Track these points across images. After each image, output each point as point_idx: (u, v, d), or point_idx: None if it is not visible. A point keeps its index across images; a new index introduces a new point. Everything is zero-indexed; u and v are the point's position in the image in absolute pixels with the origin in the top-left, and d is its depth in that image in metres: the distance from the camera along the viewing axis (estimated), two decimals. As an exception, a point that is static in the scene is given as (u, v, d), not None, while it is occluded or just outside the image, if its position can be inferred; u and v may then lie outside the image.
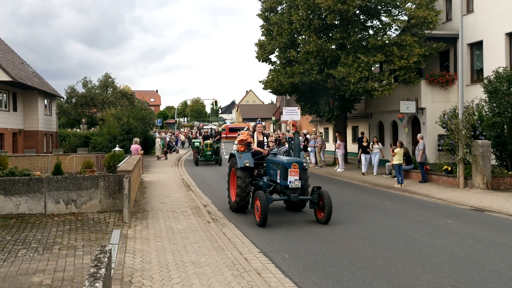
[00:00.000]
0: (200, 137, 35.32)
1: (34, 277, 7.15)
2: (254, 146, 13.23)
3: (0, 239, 9.58)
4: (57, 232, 10.24)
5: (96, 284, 3.66)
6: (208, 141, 30.02)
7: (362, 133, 26.51)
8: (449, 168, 18.87)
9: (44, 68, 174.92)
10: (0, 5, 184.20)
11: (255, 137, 13.48)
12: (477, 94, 19.45)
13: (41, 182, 12.22)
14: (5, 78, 27.52)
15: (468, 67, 22.46)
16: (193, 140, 35.39)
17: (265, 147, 13.30)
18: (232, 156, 13.27)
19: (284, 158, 11.72)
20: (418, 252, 8.22)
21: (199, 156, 30.15)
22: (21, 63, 35.75)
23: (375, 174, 22.66)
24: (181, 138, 56.64)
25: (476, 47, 22.54)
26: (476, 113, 18.26)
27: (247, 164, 12.28)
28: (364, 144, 23.86)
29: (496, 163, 18.58)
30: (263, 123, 14.17)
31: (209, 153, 29.78)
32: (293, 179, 11.19)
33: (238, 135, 15.10)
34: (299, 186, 11.39)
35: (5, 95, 29.86)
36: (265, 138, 13.60)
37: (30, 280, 7.01)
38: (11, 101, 30.76)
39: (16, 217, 11.65)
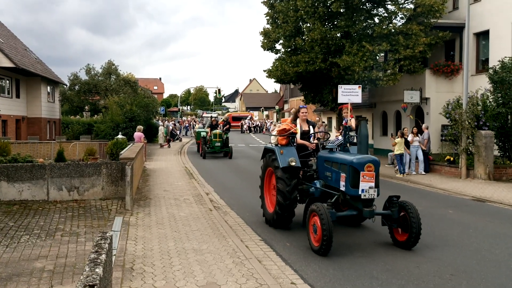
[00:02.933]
0: (198, 125, 33.97)
1: (36, 263, 7.21)
2: (298, 138, 10.07)
3: (3, 225, 9.65)
4: (60, 218, 10.30)
5: (97, 270, 3.68)
6: (217, 131, 26.81)
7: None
8: (452, 159, 18.85)
9: (48, 54, 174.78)
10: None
11: (298, 126, 10.22)
12: (482, 84, 19.33)
13: (44, 169, 12.27)
14: (8, 64, 27.63)
15: (473, 56, 22.29)
16: (198, 130, 32.61)
17: (311, 139, 10.15)
18: (268, 151, 10.34)
19: (350, 156, 8.48)
20: (419, 241, 8.24)
21: (206, 148, 26.79)
22: (24, 50, 35.73)
23: (422, 173, 19.47)
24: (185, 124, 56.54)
25: (482, 36, 22.33)
26: (480, 104, 18.15)
27: (293, 164, 9.24)
28: (407, 136, 19.72)
29: (499, 153, 18.53)
30: (306, 106, 11.59)
31: (218, 144, 26.50)
32: (366, 186, 7.95)
33: (278, 123, 11.11)
34: (375, 197, 8.10)
35: (8, 81, 29.90)
36: (311, 127, 10.32)
37: (33, 266, 7.06)
38: (14, 87, 30.81)
39: (19, 204, 11.72)
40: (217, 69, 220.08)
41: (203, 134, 28.24)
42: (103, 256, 4.08)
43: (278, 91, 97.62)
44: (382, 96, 27.52)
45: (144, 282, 6.42)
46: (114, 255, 7.25)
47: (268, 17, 27.53)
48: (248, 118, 65.08)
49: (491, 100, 18.31)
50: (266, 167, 10.47)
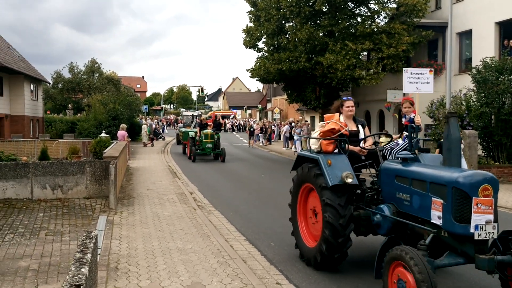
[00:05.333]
0: (179, 124, 32.38)
1: (21, 262, 7.21)
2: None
3: (-14, 224, 9.62)
4: (44, 217, 10.27)
5: (82, 269, 3.71)
6: (208, 131, 24.27)
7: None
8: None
9: (31, 52, 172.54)
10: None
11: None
12: (465, 84, 19.57)
13: (28, 167, 12.22)
14: None
15: (456, 56, 22.56)
16: (185, 130, 29.89)
17: (361, 144, 7.33)
18: (303, 160, 7.56)
19: (446, 171, 5.66)
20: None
21: (195, 150, 24.22)
22: (7, 47, 35.45)
23: None
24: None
25: (465, 36, 22.64)
26: (464, 103, 18.29)
27: (350, 181, 6.58)
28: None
29: (483, 153, 18.78)
30: (352, 99, 7.95)
31: (210, 146, 24.05)
32: (482, 220, 5.22)
33: (320, 123, 7.65)
34: (495, 236, 5.36)
35: None
36: (360, 127, 7.62)
37: (17, 265, 7.07)
38: None
39: (3, 202, 11.64)
40: (200, 67, 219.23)
41: (191, 134, 25.72)
42: (89, 255, 4.13)
43: (261, 90, 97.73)
44: (365, 95, 27.84)
45: (129, 281, 6.46)
46: (99, 254, 7.30)
47: (251, 15, 27.65)
48: (231, 117, 65.14)
49: (474, 100, 18.38)
50: (302, 183, 7.61)
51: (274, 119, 49.42)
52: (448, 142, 5.94)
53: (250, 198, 13.71)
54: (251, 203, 12.93)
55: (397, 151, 7.05)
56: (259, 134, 38.39)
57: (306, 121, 33.66)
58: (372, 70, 23.83)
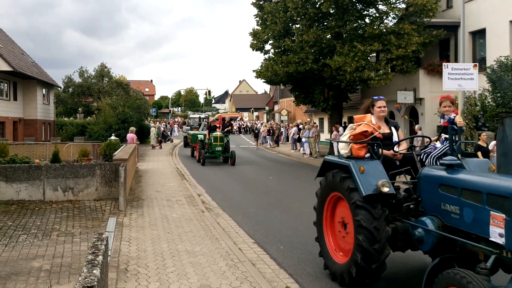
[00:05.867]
0: (185, 126, 32.07)
1: (34, 262, 7.34)
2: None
3: (2, 224, 9.80)
4: (55, 218, 10.42)
5: (94, 271, 3.78)
6: (217, 133, 23.82)
7: None
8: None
9: (43, 57, 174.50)
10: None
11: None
12: (480, 84, 19.35)
13: (40, 169, 12.44)
14: (6, 68, 28.49)
15: (469, 56, 22.07)
16: (193, 132, 29.26)
17: (395, 148, 6.71)
18: (330, 166, 6.87)
19: (502, 179, 4.99)
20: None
21: (205, 153, 23.63)
22: (21, 54, 36.40)
23: None
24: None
25: (479, 35, 22.18)
26: (478, 104, 17.88)
27: (386, 190, 5.85)
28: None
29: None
30: (383, 98, 7.04)
31: (219, 148, 23.56)
32: None
33: (347, 125, 6.54)
34: None
35: (6, 84, 30.58)
36: (393, 129, 6.92)
37: (30, 265, 7.20)
38: (11, 90, 31.53)
39: (17, 203, 11.88)
40: (207, 70, 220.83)
41: (200, 137, 25.26)
42: (100, 257, 4.21)
43: (268, 92, 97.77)
44: (374, 96, 27.69)
45: (138, 283, 6.52)
46: (109, 256, 7.43)
47: (257, 18, 27.75)
48: (238, 119, 65.20)
49: (490, 100, 17.85)
50: (329, 191, 6.79)
51: (282, 121, 49.41)
52: (504, 146, 5.13)
53: (258, 201, 13.73)
54: (260, 205, 12.96)
55: (435, 155, 6.44)
56: (267, 136, 38.44)
57: (315, 123, 33.63)
58: (381, 71, 23.65)
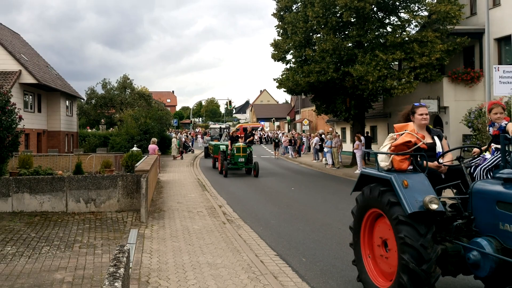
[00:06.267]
0: (206, 137, 32.22)
1: (56, 274, 7.34)
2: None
3: (25, 235, 9.90)
4: (78, 230, 10.47)
5: (116, 284, 3.73)
6: (240, 144, 23.27)
7: None
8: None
9: (67, 69, 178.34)
10: (29, 9, 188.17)
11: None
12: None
13: (63, 181, 12.56)
14: (31, 80, 29.18)
15: (495, 63, 21.47)
16: (215, 143, 29.08)
17: (439, 160, 6.07)
18: (368, 180, 6.20)
19: None
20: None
21: (227, 164, 23.13)
22: (45, 66, 37.18)
23: None
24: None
25: (504, 41, 21.74)
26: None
27: (435, 207, 5.20)
28: None
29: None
30: (425, 105, 6.46)
31: (242, 159, 23.05)
32: None
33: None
34: None
35: (31, 97, 31.24)
36: (436, 139, 6.35)
37: (53, 277, 7.20)
38: (36, 102, 32.16)
39: (40, 215, 12.01)
40: (228, 80, 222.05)
41: (222, 148, 24.79)
42: (122, 270, 4.18)
43: (289, 102, 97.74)
44: (397, 105, 27.33)
45: (159, 296, 6.45)
46: (130, 267, 7.40)
47: (278, 29, 27.84)
48: (259, 129, 65.19)
49: None
50: (367, 207, 6.13)
51: (303, 131, 49.22)
52: None
53: (280, 212, 13.56)
54: (281, 217, 12.79)
55: (485, 168, 5.82)
56: (288, 146, 38.28)
57: (337, 132, 33.40)
58: (404, 80, 23.38)
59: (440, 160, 6.04)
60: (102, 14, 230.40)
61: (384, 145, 6.14)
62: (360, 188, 6.37)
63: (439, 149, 6.24)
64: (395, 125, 6.18)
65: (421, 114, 6.21)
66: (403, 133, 5.84)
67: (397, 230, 5.33)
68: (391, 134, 6.16)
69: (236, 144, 23.35)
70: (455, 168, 5.96)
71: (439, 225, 5.52)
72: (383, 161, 5.94)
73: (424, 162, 5.69)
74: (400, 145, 5.72)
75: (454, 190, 6.02)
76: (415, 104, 6.47)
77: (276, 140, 40.52)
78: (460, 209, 5.58)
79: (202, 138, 58.37)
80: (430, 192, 5.34)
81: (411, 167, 5.78)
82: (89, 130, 47.08)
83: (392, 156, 5.76)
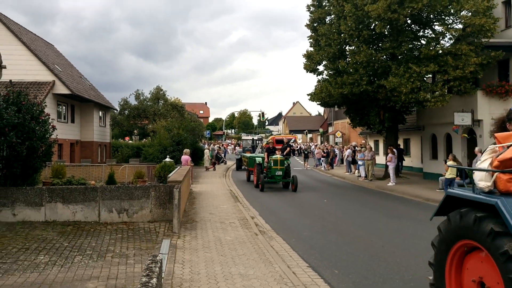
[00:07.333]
0: (238, 148, 31.49)
1: (88, 283, 7.38)
2: None
3: (58, 245, 10.01)
4: (110, 240, 10.55)
5: None
6: (278, 156, 21.87)
7: None
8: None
9: (100, 80, 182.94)
10: (63, 20, 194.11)
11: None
12: None
13: (96, 191, 12.67)
14: (65, 91, 29.75)
15: None
16: (250, 155, 27.71)
17: None
18: (457, 203, 5.07)
19: None
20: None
21: (264, 178, 21.83)
22: (79, 77, 37.79)
23: None
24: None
25: None
26: None
27: None
28: None
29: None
30: None
31: (280, 173, 21.74)
32: None
33: (490, 146, 4.93)
34: None
35: (64, 107, 31.78)
36: None
37: (85, 286, 7.24)
38: (69, 113, 32.70)
39: (73, 224, 12.14)
40: (261, 92, 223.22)
41: (258, 160, 23.52)
42: (154, 280, 4.14)
43: (322, 114, 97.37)
44: (430, 118, 26.90)
45: (191, 306, 6.44)
46: (163, 278, 7.34)
47: (311, 40, 27.81)
48: (292, 141, 65.04)
49: None
50: (457, 238, 4.95)
51: (336, 143, 48.83)
52: None
53: (312, 224, 13.43)
54: (314, 229, 12.66)
55: None
56: (321, 159, 37.98)
57: (369, 145, 33.03)
58: (437, 92, 23.04)
59: None
60: (136, 26, 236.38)
61: (482, 159, 4.92)
62: (444, 213, 5.27)
63: None
64: (497, 135, 4.95)
65: None
66: (511, 145, 4.61)
67: (506, 269, 4.15)
68: (491, 146, 4.94)
69: (273, 156, 22.06)
70: None
71: None
72: (483, 180, 4.69)
73: None
74: (509, 160, 4.48)
75: None
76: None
77: (306, 152, 40.24)
78: None
79: (235, 149, 58.66)
80: None
81: None
82: (128, 141, 47.87)
83: (496, 174, 4.58)
